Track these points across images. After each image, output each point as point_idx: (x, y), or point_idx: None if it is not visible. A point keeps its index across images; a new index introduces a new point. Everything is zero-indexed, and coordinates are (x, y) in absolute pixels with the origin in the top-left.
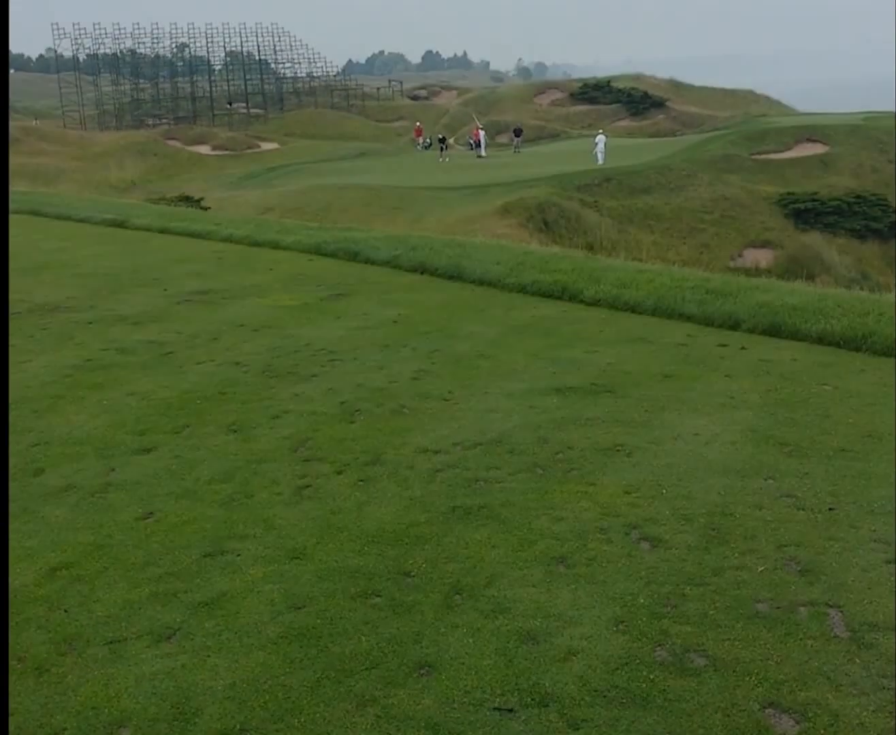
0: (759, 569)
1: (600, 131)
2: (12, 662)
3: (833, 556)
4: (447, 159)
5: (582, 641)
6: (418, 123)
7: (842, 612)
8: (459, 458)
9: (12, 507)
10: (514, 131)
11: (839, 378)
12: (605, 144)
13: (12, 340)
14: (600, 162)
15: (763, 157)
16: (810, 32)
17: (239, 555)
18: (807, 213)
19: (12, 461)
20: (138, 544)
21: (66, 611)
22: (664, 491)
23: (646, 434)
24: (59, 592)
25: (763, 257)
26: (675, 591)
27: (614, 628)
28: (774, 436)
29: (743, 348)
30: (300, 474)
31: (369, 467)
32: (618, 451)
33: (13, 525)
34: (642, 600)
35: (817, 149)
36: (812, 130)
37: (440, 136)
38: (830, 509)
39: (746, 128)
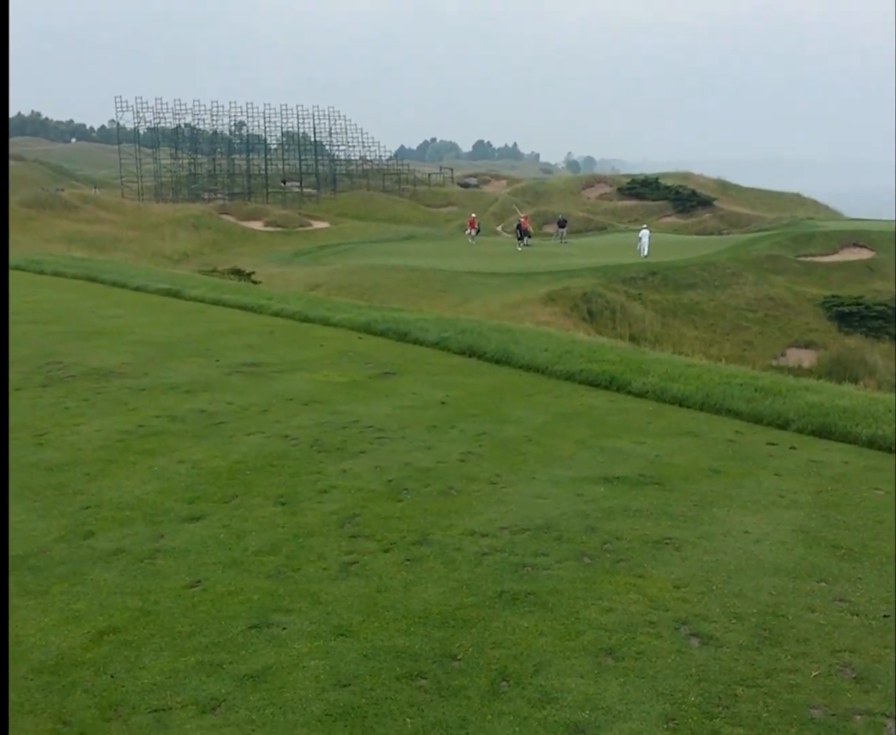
0: (813, 673)
1: (644, 226)
2: (58, 726)
3: (889, 664)
4: (521, 247)
5: None
6: (473, 215)
7: None
8: (507, 542)
9: (62, 570)
10: (558, 222)
11: (891, 483)
12: (649, 238)
13: (67, 402)
14: (644, 255)
15: (808, 259)
16: (860, 141)
17: (285, 628)
18: (851, 316)
19: (63, 522)
20: (185, 612)
21: (112, 676)
22: (714, 587)
23: (695, 528)
24: (106, 657)
25: (806, 357)
26: (727, 692)
27: (664, 726)
28: (826, 538)
29: (792, 448)
30: (347, 550)
31: (416, 547)
32: (666, 544)
33: (62, 587)
34: (693, 698)
35: (863, 254)
36: (858, 236)
37: (520, 222)
38: (885, 616)
39: (793, 230)
